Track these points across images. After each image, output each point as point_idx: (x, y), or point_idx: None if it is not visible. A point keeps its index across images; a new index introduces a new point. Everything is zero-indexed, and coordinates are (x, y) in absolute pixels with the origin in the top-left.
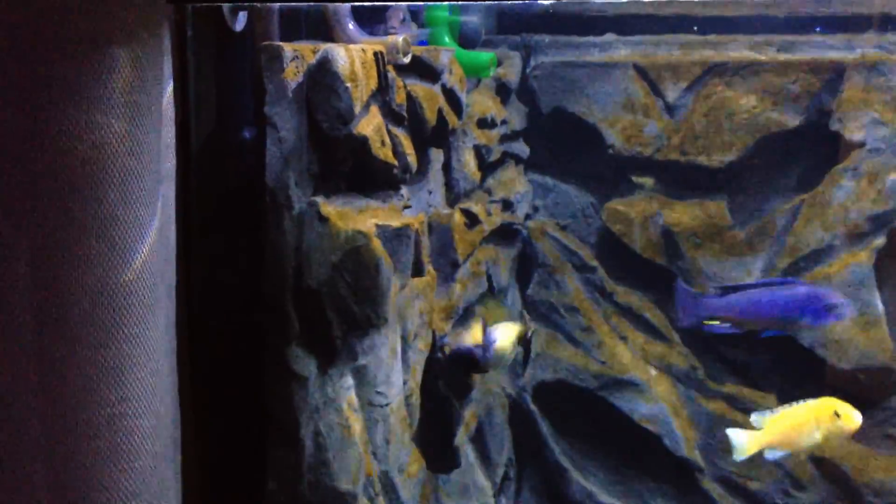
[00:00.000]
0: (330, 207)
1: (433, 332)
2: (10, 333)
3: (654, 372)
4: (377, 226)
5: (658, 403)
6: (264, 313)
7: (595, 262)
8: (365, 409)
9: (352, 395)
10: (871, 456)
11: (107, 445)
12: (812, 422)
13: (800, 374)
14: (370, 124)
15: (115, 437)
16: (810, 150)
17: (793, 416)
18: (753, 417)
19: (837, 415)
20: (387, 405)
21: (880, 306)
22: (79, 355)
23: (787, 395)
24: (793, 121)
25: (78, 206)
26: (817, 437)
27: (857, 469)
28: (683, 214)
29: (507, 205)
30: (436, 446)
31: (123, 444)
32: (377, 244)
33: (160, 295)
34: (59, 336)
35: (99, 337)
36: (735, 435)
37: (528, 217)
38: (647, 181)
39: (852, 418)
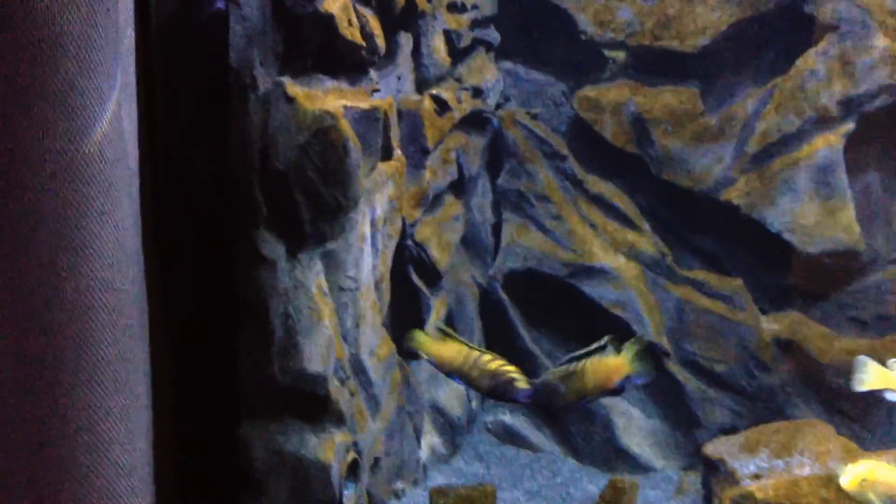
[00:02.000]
0: (296, 88)
1: (402, 218)
2: None
3: (623, 259)
4: (345, 107)
5: (627, 290)
6: (231, 196)
7: (566, 151)
8: (335, 293)
9: (321, 279)
10: (835, 338)
11: (70, 318)
12: None
13: (767, 259)
14: (336, 2)
15: (79, 312)
16: (784, 34)
17: None
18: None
19: None
20: (356, 289)
21: (848, 191)
22: (41, 228)
23: (755, 281)
24: (767, 4)
25: (33, 73)
26: None
27: (821, 350)
28: (655, 101)
29: (478, 92)
30: (407, 333)
31: (89, 318)
32: (345, 125)
33: (123, 172)
34: (20, 208)
35: (61, 210)
36: (863, 364)
37: (498, 106)
38: (619, 55)
39: None
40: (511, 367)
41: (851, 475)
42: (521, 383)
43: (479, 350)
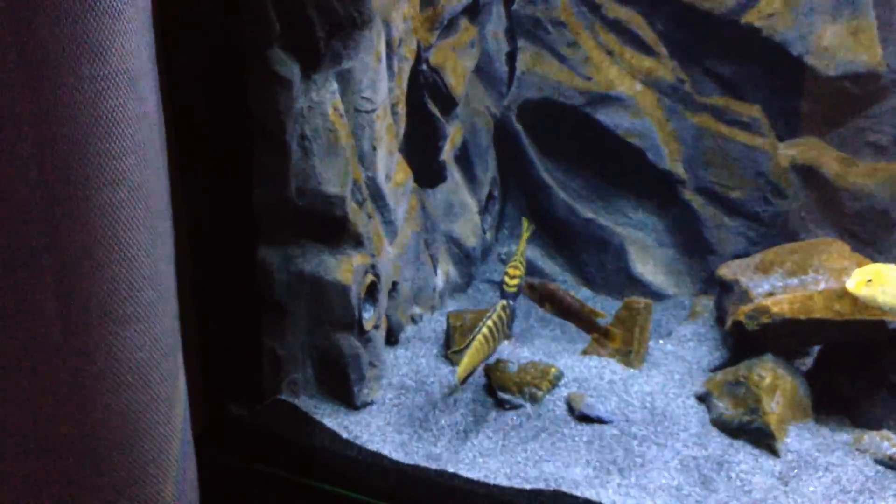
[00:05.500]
0: None
1: (417, 41)
2: None
3: (640, 86)
4: None
5: (643, 118)
6: (243, 12)
7: None
8: (351, 114)
9: (337, 100)
10: (852, 162)
11: (90, 119)
12: None
13: (786, 84)
14: None
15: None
16: None
17: None
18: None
19: None
20: (373, 111)
21: (872, 10)
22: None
23: (773, 106)
24: None
25: None
26: None
27: (838, 174)
28: None
29: None
30: (422, 161)
31: (106, 119)
32: None
33: None
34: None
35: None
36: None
37: None
38: None
39: None
40: (510, 272)
41: (857, 277)
42: (506, 286)
43: (520, 254)
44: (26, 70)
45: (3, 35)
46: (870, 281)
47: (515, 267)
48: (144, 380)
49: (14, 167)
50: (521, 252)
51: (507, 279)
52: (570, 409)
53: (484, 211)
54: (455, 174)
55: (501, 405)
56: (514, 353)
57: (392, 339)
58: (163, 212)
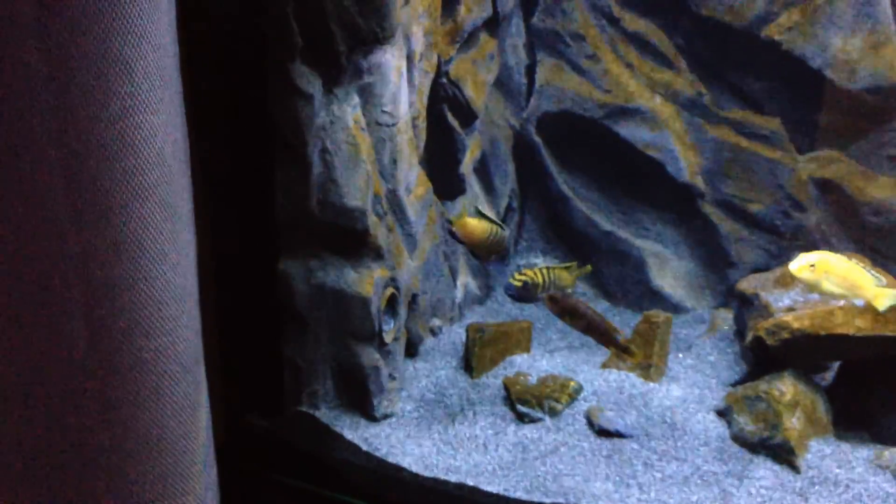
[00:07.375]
0: None
1: (438, 55)
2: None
3: (659, 99)
4: None
5: (662, 131)
6: (265, 27)
7: None
8: (372, 128)
9: (358, 114)
10: (873, 176)
11: (117, 135)
12: None
13: (807, 98)
14: None
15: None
16: None
17: None
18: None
19: None
20: (394, 125)
21: (893, 24)
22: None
23: (792, 120)
24: None
25: None
26: None
27: (858, 189)
28: None
29: None
30: (442, 173)
31: (132, 135)
32: None
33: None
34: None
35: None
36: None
37: None
38: None
39: None
40: (525, 271)
41: (799, 261)
42: (511, 278)
43: (549, 269)
44: (54, 88)
45: (31, 54)
46: (813, 266)
47: (535, 273)
48: (167, 394)
49: (42, 183)
50: (555, 269)
51: (516, 274)
52: (590, 423)
53: (503, 223)
54: (474, 186)
55: (521, 418)
56: (534, 366)
57: (411, 351)
58: (187, 225)
